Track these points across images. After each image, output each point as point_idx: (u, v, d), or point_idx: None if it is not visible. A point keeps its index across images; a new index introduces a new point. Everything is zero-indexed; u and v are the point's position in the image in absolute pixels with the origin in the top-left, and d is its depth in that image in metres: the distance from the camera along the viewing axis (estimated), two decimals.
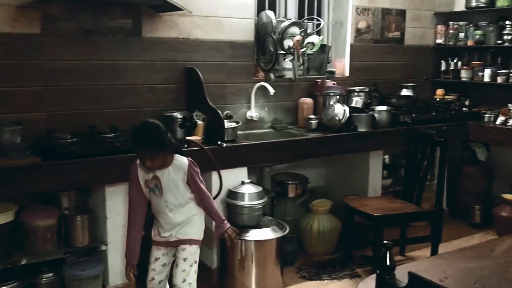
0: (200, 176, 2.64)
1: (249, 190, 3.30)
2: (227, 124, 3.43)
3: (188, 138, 3.32)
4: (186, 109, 3.59)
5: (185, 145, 3.24)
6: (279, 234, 3.27)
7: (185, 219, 2.61)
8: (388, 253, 1.39)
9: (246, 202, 3.25)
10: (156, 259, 2.60)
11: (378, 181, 4.15)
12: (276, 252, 3.27)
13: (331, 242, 3.90)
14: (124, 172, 2.99)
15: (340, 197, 3.90)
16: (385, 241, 1.40)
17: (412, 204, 3.61)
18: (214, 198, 3.30)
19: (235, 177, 3.38)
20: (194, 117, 3.42)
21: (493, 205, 4.44)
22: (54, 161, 2.80)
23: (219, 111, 3.39)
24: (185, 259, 2.56)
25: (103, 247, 3.09)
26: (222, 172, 3.26)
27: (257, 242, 3.19)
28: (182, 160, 2.59)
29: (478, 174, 4.69)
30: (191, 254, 2.59)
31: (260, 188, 3.37)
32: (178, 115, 3.41)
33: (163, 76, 3.56)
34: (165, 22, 3.52)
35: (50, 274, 3.01)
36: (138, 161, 2.56)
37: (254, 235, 3.20)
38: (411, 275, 1.30)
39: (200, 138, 3.36)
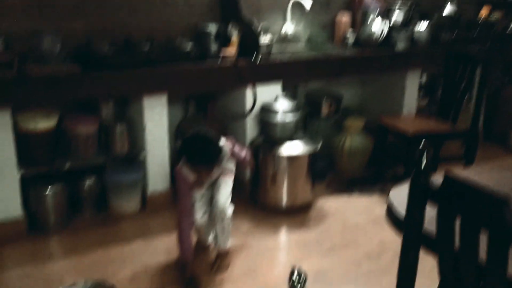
0: (235, 144, 2.71)
1: (283, 106, 3.31)
2: (262, 39, 3.38)
3: (222, 51, 3.31)
4: (221, 22, 3.53)
5: (219, 59, 3.24)
6: (311, 149, 3.32)
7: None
8: (424, 154, 1.40)
9: (279, 117, 3.28)
10: (202, 195, 2.68)
11: (413, 101, 4.09)
12: (308, 167, 3.33)
13: (362, 160, 3.94)
14: (161, 83, 3.05)
15: (374, 116, 3.89)
16: (422, 145, 1.41)
17: (447, 124, 3.57)
18: (248, 113, 3.35)
19: (269, 93, 3.39)
20: (229, 30, 3.38)
21: None
22: (92, 70, 2.86)
23: (254, 25, 3.34)
24: (227, 183, 2.67)
25: (142, 155, 3.22)
26: (256, 87, 3.27)
27: (289, 157, 3.25)
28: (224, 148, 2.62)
29: None
30: (231, 182, 2.70)
31: (294, 104, 3.37)
32: (212, 28, 3.37)
33: None
34: None
35: (92, 179, 3.18)
36: (181, 166, 2.50)
37: (286, 150, 3.26)
38: (446, 176, 1.32)
39: (234, 52, 3.34)
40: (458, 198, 1.30)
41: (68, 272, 2.62)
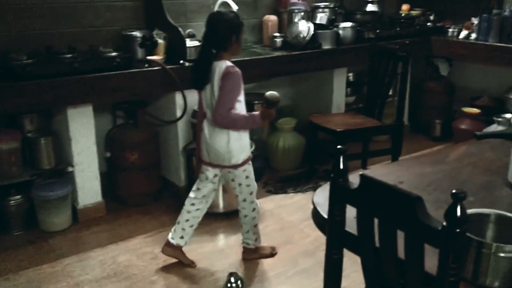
0: None
1: None
2: (189, 43, 3.36)
3: (149, 57, 3.26)
4: (146, 27, 3.48)
5: (146, 65, 3.18)
6: None
7: None
8: (341, 156, 1.44)
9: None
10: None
11: (341, 99, 4.21)
12: None
13: (296, 158, 4.01)
14: (86, 93, 2.96)
15: (305, 115, 3.97)
16: (339, 146, 1.45)
17: (374, 119, 3.70)
18: (179, 119, 3.32)
19: None
20: (154, 35, 3.34)
21: (453, 119, 4.59)
22: (11, 82, 2.73)
23: (180, 29, 3.31)
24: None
25: (70, 169, 3.11)
26: (186, 92, 3.25)
27: None
28: None
29: (440, 89, 4.80)
30: None
31: None
32: (137, 34, 3.31)
33: None
34: None
35: (19, 196, 3.04)
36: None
37: None
38: (362, 177, 1.37)
39: (161, 57, 3.30)
40: (374, 198, 1.35)
41: None
